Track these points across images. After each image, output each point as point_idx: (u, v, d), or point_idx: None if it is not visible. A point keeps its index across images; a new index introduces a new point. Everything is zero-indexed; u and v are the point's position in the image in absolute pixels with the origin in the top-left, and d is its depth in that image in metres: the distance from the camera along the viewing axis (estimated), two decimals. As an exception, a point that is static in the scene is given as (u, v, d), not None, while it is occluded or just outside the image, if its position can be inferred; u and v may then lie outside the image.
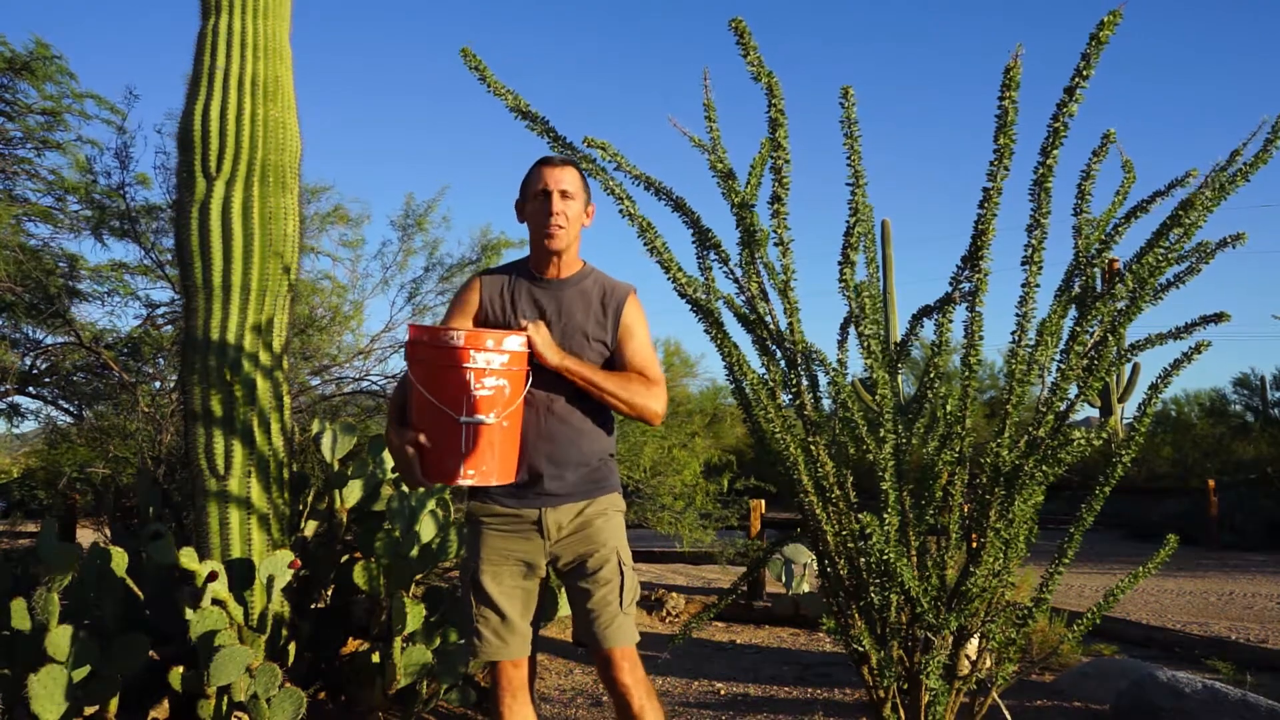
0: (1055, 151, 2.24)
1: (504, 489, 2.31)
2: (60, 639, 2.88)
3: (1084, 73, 2.17)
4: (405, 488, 3.79)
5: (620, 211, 2.45)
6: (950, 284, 2.42)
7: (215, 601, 3.02)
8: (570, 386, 2.31)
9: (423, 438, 2.16)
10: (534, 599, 2.35)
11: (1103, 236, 2.43)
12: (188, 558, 2.99)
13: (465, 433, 2.12)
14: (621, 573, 2.31)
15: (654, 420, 2.37)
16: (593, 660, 2.34)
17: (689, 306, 2.55)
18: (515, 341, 2.19)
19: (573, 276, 2.40)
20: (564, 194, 2.35)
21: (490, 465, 2.17)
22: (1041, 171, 2.26)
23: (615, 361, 2.37)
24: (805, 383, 2.52)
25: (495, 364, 2.14)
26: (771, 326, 2.53)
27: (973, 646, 2.66)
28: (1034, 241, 2.32)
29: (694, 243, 2.56)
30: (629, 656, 2.28)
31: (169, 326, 6.29)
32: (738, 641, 5.78)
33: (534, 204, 2.36)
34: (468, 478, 2.15)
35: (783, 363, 2.55)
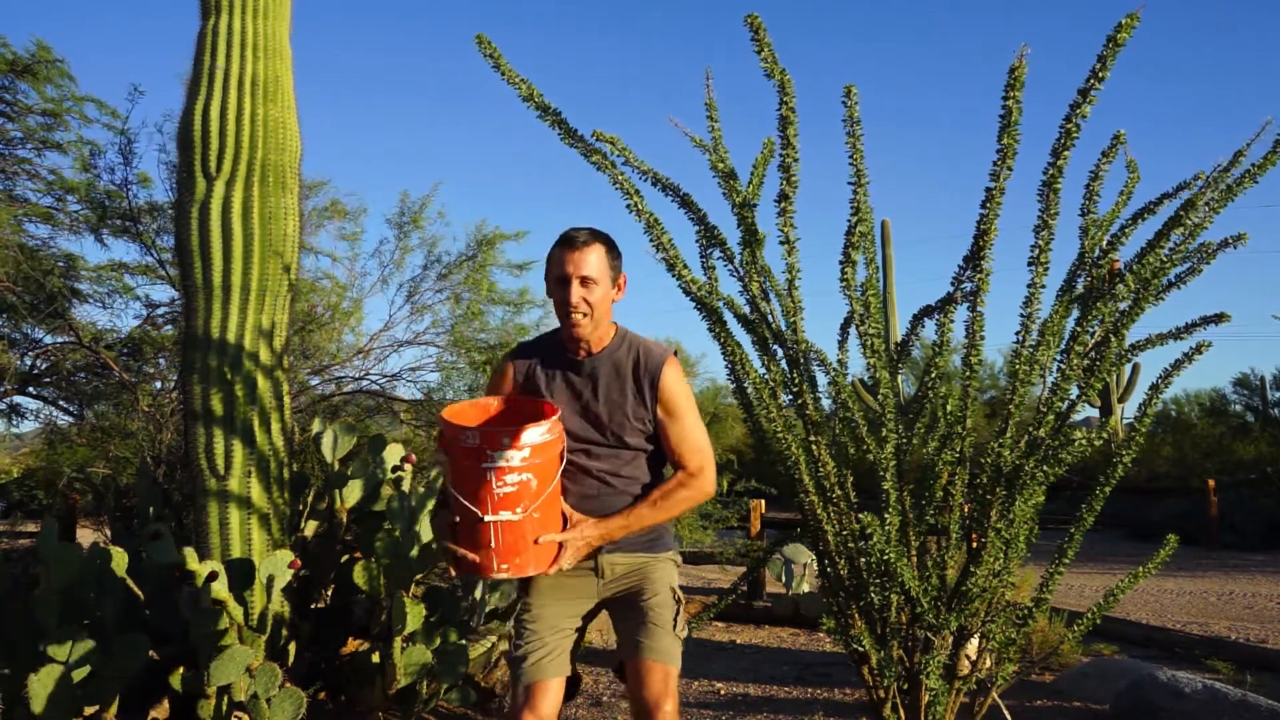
0: (1066, 153, 2.23)
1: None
2: (60, 639, 2.88)
3: (1099, 74, 2.17)
4: (405, 488, 3.79)
5: (628, 208, 2.45)
6: (952, 284, 2.42)
7: (215, 601, 3.02)
8: (622, 458, 2.28)
9: (458, 518, 2.13)
10: (576, 631, 2.31)
11: (1107, 237, 2.43)
12: (189, 558, 2.99)
13: (493, 530, 2.08)
14: (676, 600, 2.28)
15: (708, 499, 2.42)
16: (628, 680, 2.25)
17: (693, 305, 2.54)
18: (535, 434, 2.07)
19: (604, 350, 2.30)
20: (585, 281, 2.20)
21: (524, 558, 2.11)
22: (1051, 173, 2.25)
23: (659, 439, 2.30)
24: (806, 383, 2.52)
25: (515, 460, 2.05)
26: (773, 326, 2.53)
27: (973, 646, 2.65)
28: (1040, 242, 2.32)
29: (698, 241, 2.56)
30: (672, 683, 2.19)
31: (169, 326, 6.29)
32: (738, 641, 5.78)
33: (555, 289, 2.25)
34: (501, 572, 2.11)
35: (784, 363, 2.55)
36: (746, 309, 2.56)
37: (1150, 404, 2.48)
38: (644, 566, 2.29)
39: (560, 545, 2.15)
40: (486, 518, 2.06)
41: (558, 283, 2.23)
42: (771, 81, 2.34)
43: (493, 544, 2.08)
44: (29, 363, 6.29)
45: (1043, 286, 2.35)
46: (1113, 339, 2.41)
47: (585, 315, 2.21)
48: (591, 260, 2.22)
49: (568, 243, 2.24)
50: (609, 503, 2.26)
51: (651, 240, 2.46)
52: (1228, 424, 18.19)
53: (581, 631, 2.34)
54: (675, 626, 2.25)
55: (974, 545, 2.51)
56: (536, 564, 2.13)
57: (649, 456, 2.32)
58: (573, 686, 2.36)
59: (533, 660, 2.21)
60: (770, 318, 2.54)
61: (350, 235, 7.01)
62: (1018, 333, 2.39)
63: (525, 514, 2.08)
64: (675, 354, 2.34)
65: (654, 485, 2.31)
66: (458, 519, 2.12)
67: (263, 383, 3.48)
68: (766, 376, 2.55)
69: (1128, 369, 17.79)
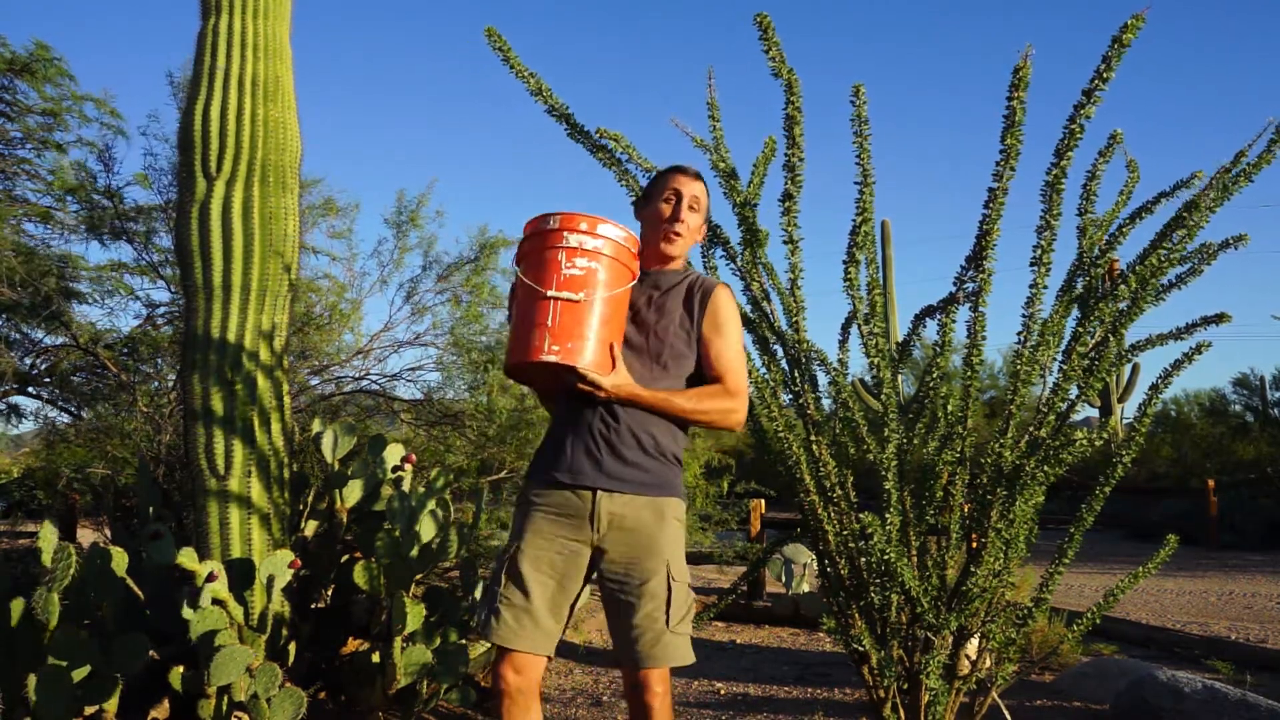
0: (1070, 154, 2.23)
1: (561, 465, 2.20)
2: (60, 639, 2.88)
3: (1104, 75, 2.17)
4: (405, 488, 3.79)
5: (633, 204, 2.45)
6: (954, 284, 2.42)
7: (215, 601, 3.02)
8: (656, 375, 2.22)
9: (518, 310, 2.13)
10: (567, 596, 2.19)
11: (1106, 237, 2.43)
12: (188, 558, 2.98)
13: (552, 308, 2.07)
14: (669, 588, 2.15)
15: (735, 429, 2.28)
16: (623, 674, 2.20)
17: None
18: (613, 230, 2.14)
19: (674, 271, 2.35)
20: (693, 205, 2.31)
21: (577, 344, 2.07)
22: (1055, 174, 2.25)
23: (700, 354, 2.27)
24: (807, 382, 2.52)
25: (588, 245, 2.11)
26: (774, 325, 2.53)
27: (973, 646, 2.66)
28: (1043, 243, 2.32)
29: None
30: (664, 679, 2.14)
31: (168, 326, 6.28)
32: (738, 641, 5.78)
33: (661, 204, 2.31)
34: (551, 353, 2.06)
35: (784, 362, 2.55)
36: (748, 308, 2.56)
37: (1150, 404, 2.48)
38: (644, 526, 2.17)
39: (615, 357, 2.12)
40: (549, 293, 2.08)
41: (669, 199, 2.30)
42: (779, 81, 2.35)
43: (549, 322, 2.07)
44: (28, 363, 6.28)
45: (1045, 287, 2.35)
46: (1113, 339, 2.41)
47: (681, 236, 2.29)
48: (700, 190, 2.33)
49: (682, 170, 2.35)
50: (618, 411, 2.19)
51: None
52: (1227, 424, 18.21)
53: (572, 607, 2.22)
54: (669, 621, 2.13)
55: (974, 545, 2.51)
56: (591, 358, 2.09)
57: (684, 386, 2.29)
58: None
59: (509, 630, 2.13)
60: (771, 317, 2.54)
61: (340, 233, 6.98)
62: (1019, 333, 2.39)
63: (587, 300, 2.09)
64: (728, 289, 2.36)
65: (673, 431, 2.25)
66: (518, 310, 2.12)
67: (263, 383, 3.48)
68: (767, 376, 2.55)
69: (1127, 369, 17.80)
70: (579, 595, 2.24)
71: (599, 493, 2.18)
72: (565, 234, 2.11)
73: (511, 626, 2.13)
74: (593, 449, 2.20)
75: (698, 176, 2.35)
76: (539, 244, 2.15)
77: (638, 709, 2.17)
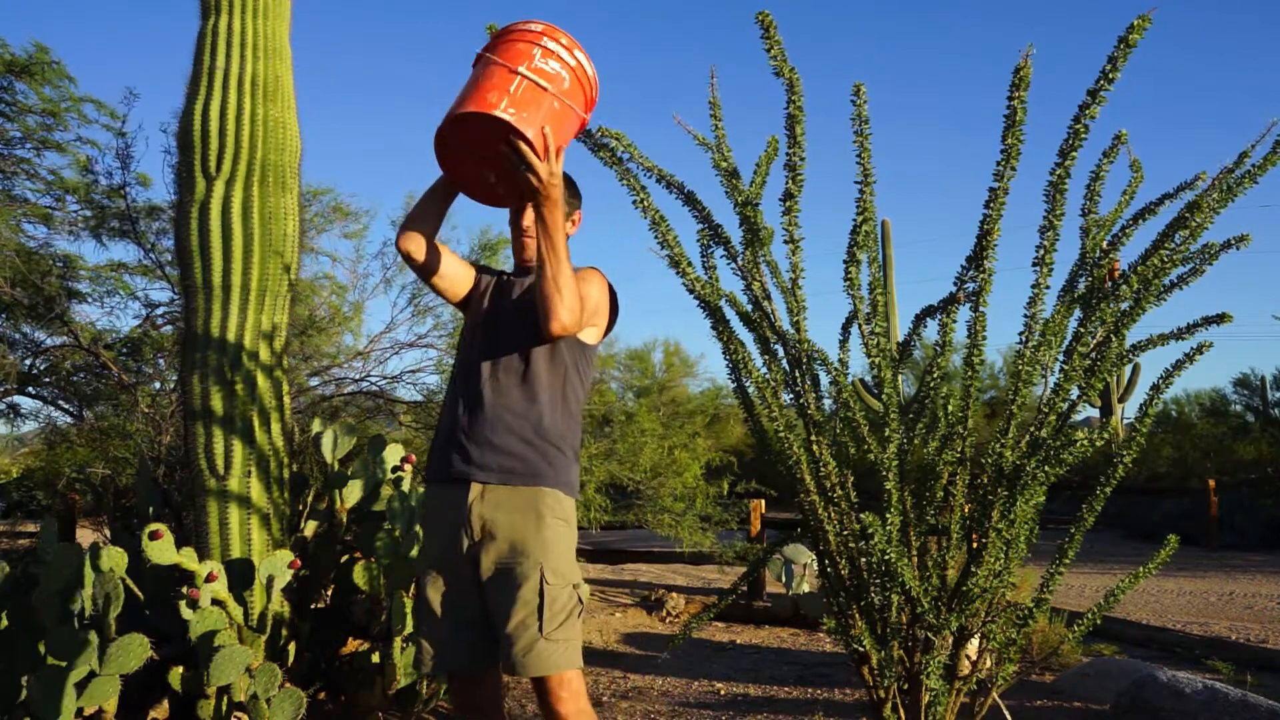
0: (1074, 154, 2.22)
1: (434, 458, 2.19)
2: (60, 639, 2.88)
3: (1109, 75, 2.16)
4: (404, 488, 3.79)
5: (634, 203, 2.45)
6: (955, 284, 2.42)
7: (215, 601, 3.02)
8: (520, 362, 2.17)
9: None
10: (477, 603, 2.11)
11: (1109, 237, 2.43)
12: (187, 558, 2.99)
13: (517, 81, 2.04)
14: (542, 593, 2.01)
15: (552, 323, 2.07)
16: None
17: (697, 304, 2.54)
18: (587, 63, 2.17)
19: None
20: None
21: (532, 116, 2.02)
22: (1059, 174, 2.24)
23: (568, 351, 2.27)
24: (808, 382, 2.51)
25: (564, 57, 2.12)
26: (775, 325, 2.53)
27: (973, 647, 2.65)
28: (1046, 243, 2.31)
29: (698, 240, 2.56)
30: (560, 684, 2.00)
31: (168, 326, 6.29)
32: (738, 641, 5.78)
33: (514, 215, 2.36)
34: (506, 112, 2.00)
35: (784, 362, 2.55)
36: (749, 308, 2.56)
37: (1151, 404, 2.48)
38: (513, 526, 2.07)
39: (556, 155, 2.06)
40: (520, 68, 2.05)
41: (517, 213, 2.33)
42: (780, 80, 2.34)
43: (512, 90, 2.03)
44: (29, 363, 6.28)
45: (1047, 287, 2.35)
46: (1114, 339, 2.40)
47: (533, 238, 2.26)
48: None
49: None
50: (487, 392, 2.14)
51: (656, 238, 2.46)
52: (1228, 424, 18.21)
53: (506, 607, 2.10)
54: (543, 628, 1.99)
55: (975, 545, 2.50)
56: (547, 127, 2.04)
57: (558, 384, 2.21)
58: None
59: (428, 656, 2.12)
60: (772, 316, 2.53)
61: (354, 234, 7.01)
62: (1021, 333, 2.38)
63: (551, 93, 2.07)
64: (605, 281, 2.35)
65: (551, 400, 2.19)
66: (474, 78, 2.09)
67: (263, 382, 3.48)
68: (768, 376, 2.55)
69: (1128, 369, 17.81)
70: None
71: (471, 489, 2.11)
72: (546, 38, 2.12)
73: (429, 653, 2.12)
74: (460, 437, 2.14)
75: None
76: (512, 38, 2.13)
77: (544, 714, 2.07)
